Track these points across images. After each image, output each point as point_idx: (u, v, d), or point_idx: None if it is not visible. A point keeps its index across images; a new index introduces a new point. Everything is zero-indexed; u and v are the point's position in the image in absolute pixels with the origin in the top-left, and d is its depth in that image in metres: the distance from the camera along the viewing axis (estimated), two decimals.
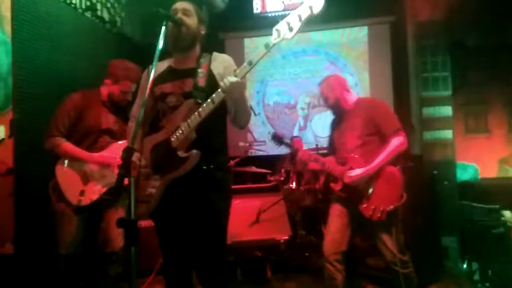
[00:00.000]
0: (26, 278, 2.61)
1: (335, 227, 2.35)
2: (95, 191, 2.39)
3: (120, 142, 2.49)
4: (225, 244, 1.89)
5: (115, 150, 2.45)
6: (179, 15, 1.80)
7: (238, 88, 1.61)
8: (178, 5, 1.85)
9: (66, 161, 2.41)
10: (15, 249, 2.61)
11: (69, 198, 2.33)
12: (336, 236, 2.33)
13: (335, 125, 2.56)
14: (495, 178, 5.09)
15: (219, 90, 1.64)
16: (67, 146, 2.39)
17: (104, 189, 2.42)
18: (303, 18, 1.52)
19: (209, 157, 1.78)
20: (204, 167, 1.76)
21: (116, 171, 2.42)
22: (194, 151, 1.70)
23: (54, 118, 2.41)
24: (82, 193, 2.34)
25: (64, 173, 2.38)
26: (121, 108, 2.55)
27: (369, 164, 2.25)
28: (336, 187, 2.37)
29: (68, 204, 2.34)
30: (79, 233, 2.39)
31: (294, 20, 1.52)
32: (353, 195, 2.30)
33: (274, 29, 1.56)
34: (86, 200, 2.35)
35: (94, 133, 2.45)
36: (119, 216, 2.52)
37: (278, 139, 2.66)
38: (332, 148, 2.57)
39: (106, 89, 2.52)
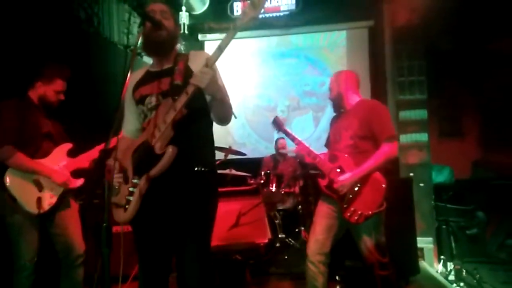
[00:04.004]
0: None
1: (320, 229, 2.36)
2: (52, 195, 2.33)
3: (61, 146, 2.45)
4: (209, 247, 1.82)
5: (59, 156, 2.42)
6: (158, 16, 1.76)
7: (207, 76, 1.56)
8: (156, 6, 1.79)
9: (14, 171, 2.27)
10: None
11: (29, 208, 2.24)
12: (320, 238, 2.34)
13: (334, 121, 2.58)
14: (469, 180, 5.23)
15: (190, 80, 1.60)
16: (21, 157, 2.24)
17: (62, 190, 2.37)
18: None
19: (195, 158, 1.75)
20: (191, 168, 1.73)
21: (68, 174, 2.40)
22: (170, 146, 1.65)
23: None
24: (39, 200, 2.26)
25: (16, 183, 2.25)
26: (53, 111, 2.46)
27: (358, 167, 2.27)
28: (323, 182, 2.40)
29: (26, 214, 2.24)
30: (38, 241, 2.33)
31: None
32: (337, 193, 2.32)
33: (241, 11, 1.56)
34: (45, 207, 2.28)
35: (37, 138, 2.36)
36: (74, 218, 2.47)
37: (278, 124, 2.62)
38: (328, 144, 2.60)
39: (36, 92, 2.40)
